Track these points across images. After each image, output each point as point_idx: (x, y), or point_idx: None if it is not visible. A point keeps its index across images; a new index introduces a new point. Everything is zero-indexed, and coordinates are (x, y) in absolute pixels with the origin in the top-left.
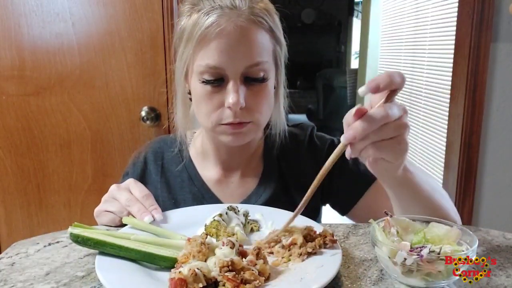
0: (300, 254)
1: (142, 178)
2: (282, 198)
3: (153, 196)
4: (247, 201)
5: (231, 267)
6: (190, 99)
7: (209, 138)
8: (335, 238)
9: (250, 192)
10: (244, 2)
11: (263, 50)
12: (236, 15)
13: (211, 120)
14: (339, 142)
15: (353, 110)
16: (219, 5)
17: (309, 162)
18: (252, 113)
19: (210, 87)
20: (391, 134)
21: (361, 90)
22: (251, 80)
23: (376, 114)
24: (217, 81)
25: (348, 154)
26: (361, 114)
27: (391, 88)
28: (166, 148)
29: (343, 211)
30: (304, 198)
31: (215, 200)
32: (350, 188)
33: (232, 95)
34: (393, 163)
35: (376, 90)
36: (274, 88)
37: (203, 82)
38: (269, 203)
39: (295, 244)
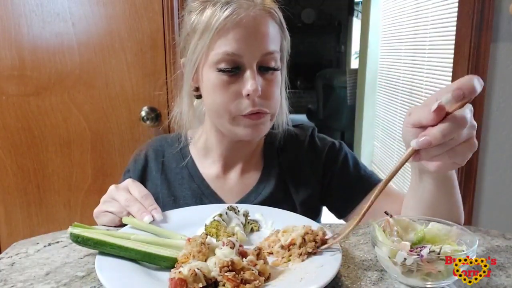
0: (300, 254)
1: (143, 175)
2: (281, 196)
3: (153, 193)
4: (246, 198)
5: (231, 267)
6: (195, 96)
7: (214, 132)
8: (327, 237)
9: (250, 189)
10: None
11: (275, 40)
12: (252, 6)
13: (229, 110)
14: (340, 144)
15: (432, 107)
16: None
17: (308, 162)
18: (267, 101)
19: (226, 76)
20: (465, 137)
21: (445, 99)
22: (265, 70)
23: (455, 124)
24: (234, 70)
25: (416, 160)
26: (441, 115)
27: (472, 96)
28: (167, 146)
29: (340, 215)
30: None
31: (214, 196)
32: (348, 193)
33: (251, 82)
34: (461, 165)
35: (460, 99)
36: None
37: (219, 71)
38: (268, 200)
39: (294, 244)
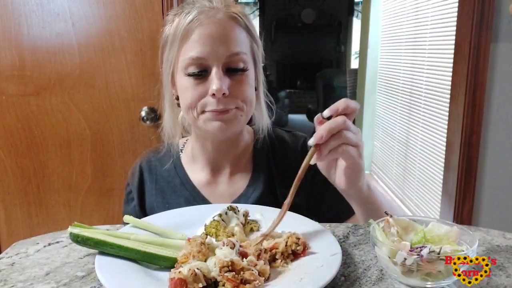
0: (282, 257)
1: (141, 187)
2: (270, 200)
3: (149, 203)
4: (236, 202)
5: (231, 267)
6: (178, 105)
7: (198, 137)
8: (307, 244)
9: (240, 193)
10: (221, 4)
11: (242, 43)
12: (214, 12)
13: (196, 108)
14: None
15: (316, 120)
16: (198, 6)
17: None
18: (235, 100)
19: (194, 79)
20: (354, 141)
21: (324, 113)
22: (232, 71)
23: (336, 119)
24: (201, 73)
25: (316, 159)
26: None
27: (347, 111)
28: (159, 157)
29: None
30: (287, 200)
31: (205, 202)
32: (341, 208)
33: (215, 81)
34: (353, 169)
35: (335, 112)
36: (255, 88)
37: (188, 75)
38: (257, 204)
39: (277, 249)
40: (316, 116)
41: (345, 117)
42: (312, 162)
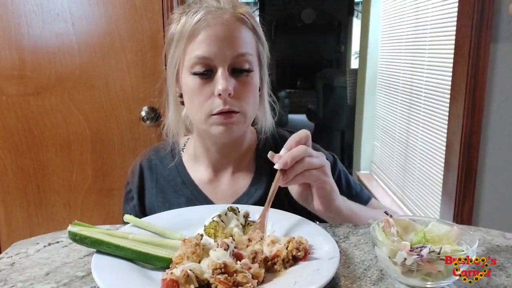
0: (283, 263)
1: (141, 185)
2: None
3: (149, 202)
4: (238, 201)
5: (224, 269)
6: (181, 103)
7: (200, 138)
8: (309, 250)
9: (242, 192)
10: (228, 4)
11: (248, 44)
12: (221, 13)
13: (203, 111)
14: (334, 160)
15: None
16: (205, 6)
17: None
18: (239, 102)
19: (200, 79)
20: (318, 164)
21: (276, 165)
22: (238, 72)
23: (298, 149)
24: (207, 73)
25: (282, 182)
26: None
27: (301, 143)
28: (159, 155)
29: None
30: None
31: (207, 201)
32: None
33: (221, 81)
34: (325, 189)
35: (291, 147)
36: (259, 89)
37: (193, 74)
38: (259, 203)
39: (279, 256)
40: (269, 154)
41: (305, 146)
42: (280, 184)
